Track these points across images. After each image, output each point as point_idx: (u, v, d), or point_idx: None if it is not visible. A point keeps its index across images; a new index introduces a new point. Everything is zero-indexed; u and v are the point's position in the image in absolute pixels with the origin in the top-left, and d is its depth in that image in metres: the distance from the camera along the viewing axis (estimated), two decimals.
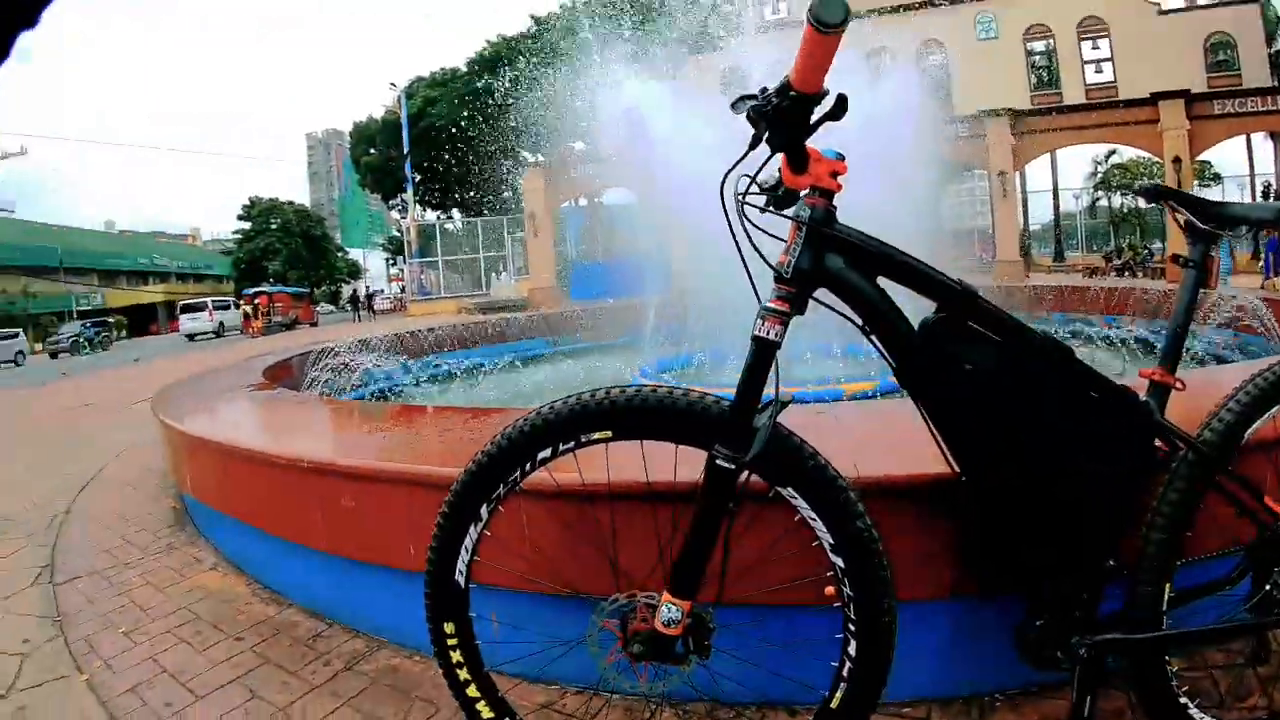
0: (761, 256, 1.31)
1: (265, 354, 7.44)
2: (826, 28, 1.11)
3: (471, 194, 38.27)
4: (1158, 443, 1.46)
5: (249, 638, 2.48)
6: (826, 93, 1.20)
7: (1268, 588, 1.50)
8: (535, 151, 28.69)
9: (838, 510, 1.35)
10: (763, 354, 1.32)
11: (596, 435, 1.42)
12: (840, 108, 1.23)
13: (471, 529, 1.48)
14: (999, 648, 1.60)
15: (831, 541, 1.36)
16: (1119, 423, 1.42)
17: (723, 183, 1.33)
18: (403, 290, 42.53)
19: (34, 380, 17.55)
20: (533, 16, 36.69)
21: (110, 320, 44.11)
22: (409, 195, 38.56)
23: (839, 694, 1.41)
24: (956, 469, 1.42)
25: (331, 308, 60.56)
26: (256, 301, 34.65)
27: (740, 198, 1.35)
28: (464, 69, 39.10)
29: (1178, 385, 1.47)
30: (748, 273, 1.35)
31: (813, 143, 1.29)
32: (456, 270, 35.01)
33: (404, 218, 40.86)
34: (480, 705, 1.54)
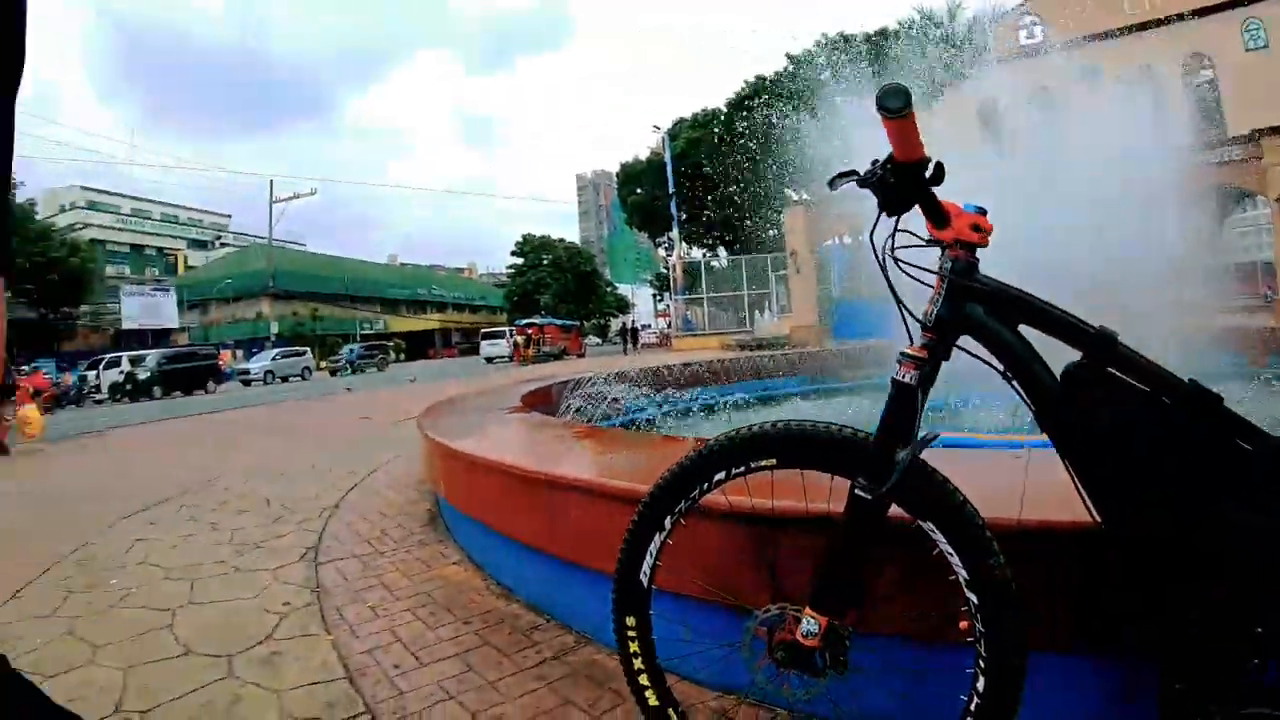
0: (903, 307, 1.43)
1: (528, 380, 8.16)
2: (893, 114, 1.24)
3: (736, 232, 39.07)
4: None
5: (475, 623, 2.88)
6: (928, 159, 1.31)
7: None
8: (798, 189, 28.86)
9: (974, 547, 1.42)
10: (901, 396, 1.43)
11: (764, 462, 1.60)
12: (939, 173, 1.34)
13: (656, 537, 1.70)
14: (1139, 712, 1.56)
15: (967, 577, 1.43)
16: (1273, 476, 1.35)
17: (871, 238, 1.46)
18: (668, 325, 44.09)
19: (318, 393, 20.19)
20: (788, 55, 37.11)
21: (388, 344, 49.46)
22: (675, 233, 40.12)
23: None
24: (1098, 518, 1.43)
25: (598, 340, 63.76)
26: (529, 332, 37.38)
27: (888, 252, 1.47)
28: (724, 109, 40.23)
29: None
30: (904, 320, 1.47)
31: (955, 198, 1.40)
32: (721, 307, 35.85)
33: (670, 255, 42.58)
34: (648, 693, 1.74)
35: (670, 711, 1.75)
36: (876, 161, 1.38)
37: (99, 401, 28.53)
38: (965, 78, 13.38)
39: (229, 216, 77.34)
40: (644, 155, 46.00)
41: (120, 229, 60.44)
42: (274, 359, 36.45)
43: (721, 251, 43.52)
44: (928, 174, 1.36)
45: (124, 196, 63.87)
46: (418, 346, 62.17)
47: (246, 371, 35.94)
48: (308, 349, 40.12)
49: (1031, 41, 26.59)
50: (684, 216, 40.41)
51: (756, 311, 33.64)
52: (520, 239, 63.16)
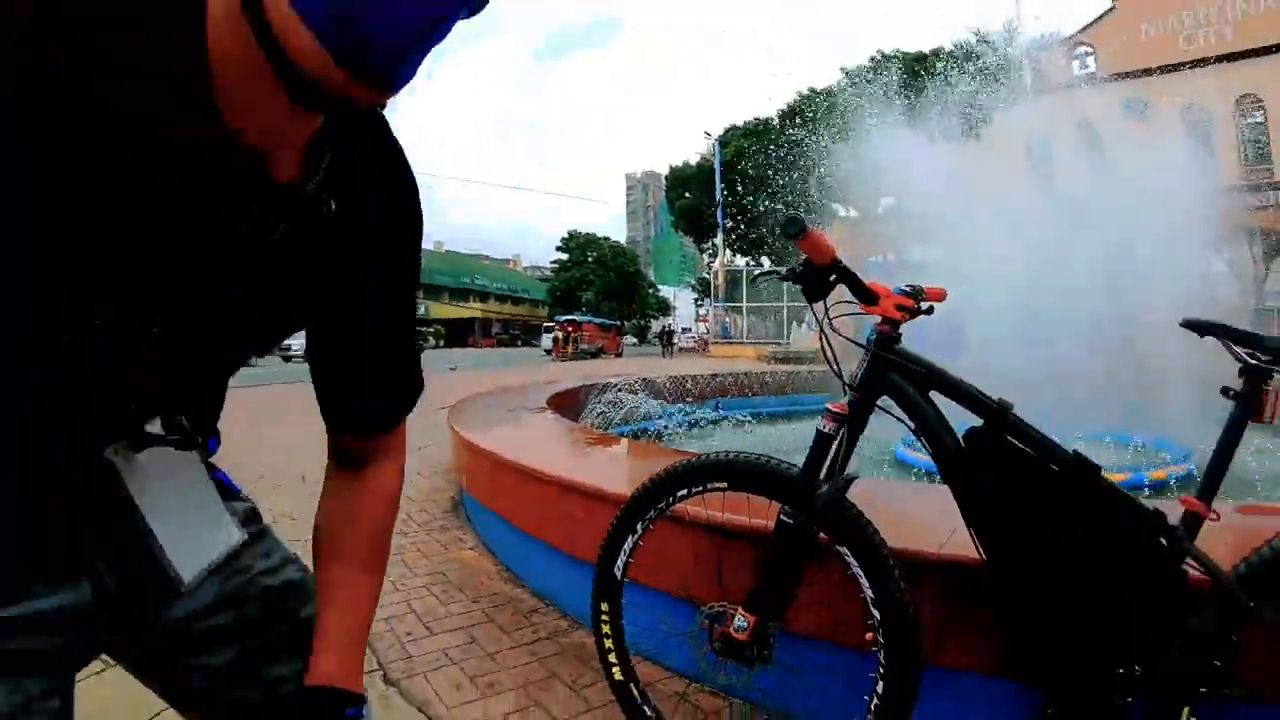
0: (836, 371, 1.75)
1: (554, 381, 8.49)
2: (793, 237, 1.59)
3: (780, 243, 39.11)
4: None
5: (483, 602, 3.23)
6: (837, 261, 1.62)
7: None
8: (844, 204, 28.87)
9: (880, 572, 1.72)
10: (820, 444, 1.75)
11: (717, 484, 1.92)
12: (840, 272, 1.68)
13: (630, 538, 2.03)
14: None
15: (873, 597, 1.72)
16: (1144, 544, 1.60)
17: (813, 311, 1.77)
18: (706, 331, 44.34)
19: None
20: (843, 69, 37.08)
21: (427, 330, 49.72)
22: (719, 240, 40.27)
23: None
24: (984, 558, 1.69)
25: (635, 340, 63.93)
26: (568, 329, 37.68)
27: (827, 320, 1.78)
28: (776, 120, 40.36)
29: (1212, 516, 1.60)
30: (840, 379, 1.78)
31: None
32: (760, 316, 36.00)
33: (713, 261, 42.74)
34: (615, 669, 2.08)
35: (631, 687, 2.08)
36: (794, 268, 1.70)
37: None
38: (1016, 107, 13.43)
39: None
40: (694, 160, 46.34)
41: None
42: None
43: (765, 261, 43.65)
44: (832, 277, 1.68)
45: None
46: (457, 334, 62.80)
47: (288, 347, 36.61)
48: None
49: (1084, 72, 26.39)
50: (729, 224, 40.61)
51: (795, 324, 33.74)
52: (566, 234, 63.70)
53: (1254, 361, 1.60)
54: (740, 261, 44.56)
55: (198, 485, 0.89)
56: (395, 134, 0.86)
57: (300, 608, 1.00)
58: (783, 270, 1.76)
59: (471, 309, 69.07)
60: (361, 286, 0.86)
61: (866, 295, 1.73)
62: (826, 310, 1.77)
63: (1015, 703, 1.96)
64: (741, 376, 9.90)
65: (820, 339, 1.79)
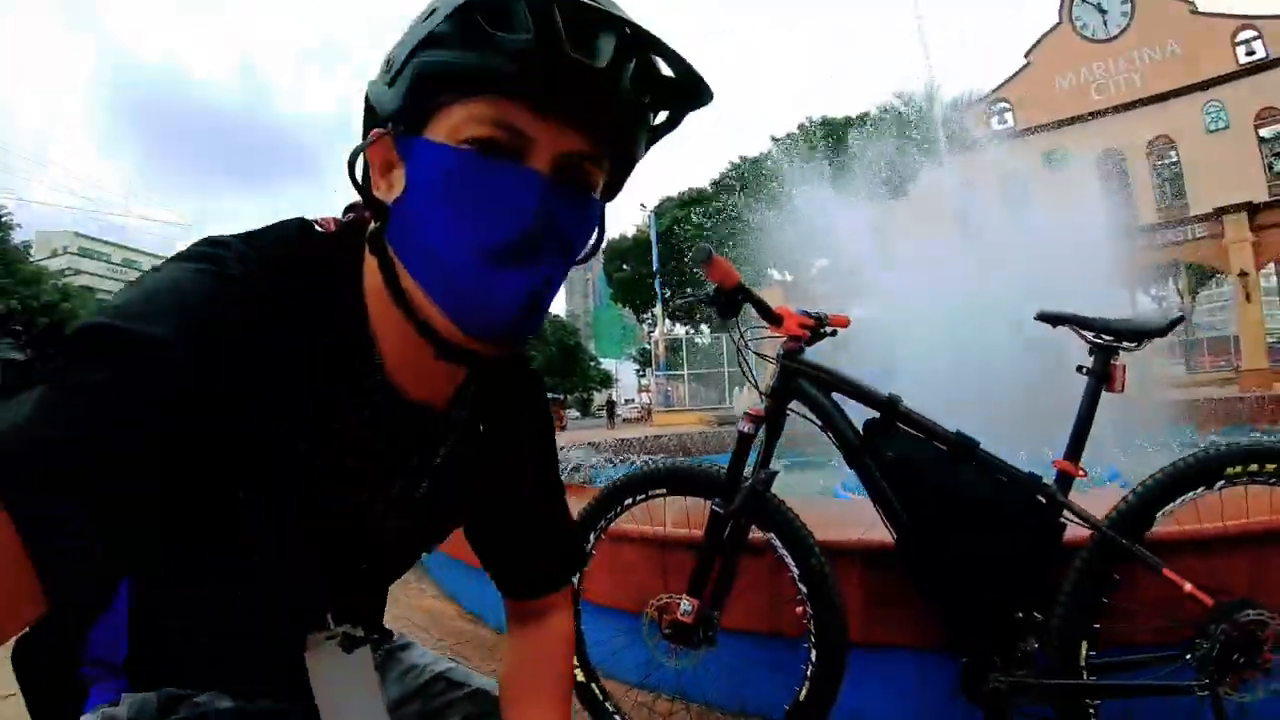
0: (753, 382, 2.05)
1: None
2: (700, 265, 1.89)
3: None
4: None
5: (448, 640, 3.41)
6: (742, 284, 1.92)
7: (1188, 657, 1.79)
8: (781, 270, 29.57)
9: (802, 551, 1.98)
10: (742, 443, 2.03)
11: (657, 491, 2.19)
12: (745, 294, 1.97)
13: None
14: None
15: (798, 572, 1.99)
16: (1024, 502, 1.88)
17: (732, 332, 2.06)
18: (649, 400, 44.35)
19: None
20: (772, 138, 38.38)
21: None
22: (658, 310, 40.66)
23: (804, 690, 2.00)
24: (894, 536, 1.97)
25: (579, 413, 63.59)
26: None
27: (743, 341, 2.08)
28: (709, 189, 41.37)
29: (1081, 474, 1.89)
30: (757, 389, 2.07)
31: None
32: (702, 383, 36.21)
33: (653, 331, 43.07)
34: (578, 671, 2.28)
35: (594, 687, 2.30)
36: (708, 293, 1.99)
37: None
38: (939, 164, 14.07)
39: None
40: (630, 232, 47.17)
41: (110, 278, 60.87)
42: None
43: (705, 328, 44.21)
44: (740, 297, 1.98)
45: (116, 246, 64.54)
46: None
47: None
48: None
49: (1003, 127, 27.65)
50: (668, 293, 41.17)
51: (736, 388, 34.07)
52: None
53: (1101, 341, 1.93)
54: (680, 330, 45.06)
55: (368, 682, 0.96)
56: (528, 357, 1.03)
57: None
58: (700, 295, 2.05)
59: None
60: (514, 482, 0.99)
61: (772, 317, 2.03)
62: (740, 330, 2.06)
63: (938, 672, 2.20)
64: (684, 437, 10.16)
65: (738, 356, 2.08)
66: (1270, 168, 24.80)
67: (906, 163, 14.50)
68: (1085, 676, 1.85)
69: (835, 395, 2.00)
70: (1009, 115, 28.49)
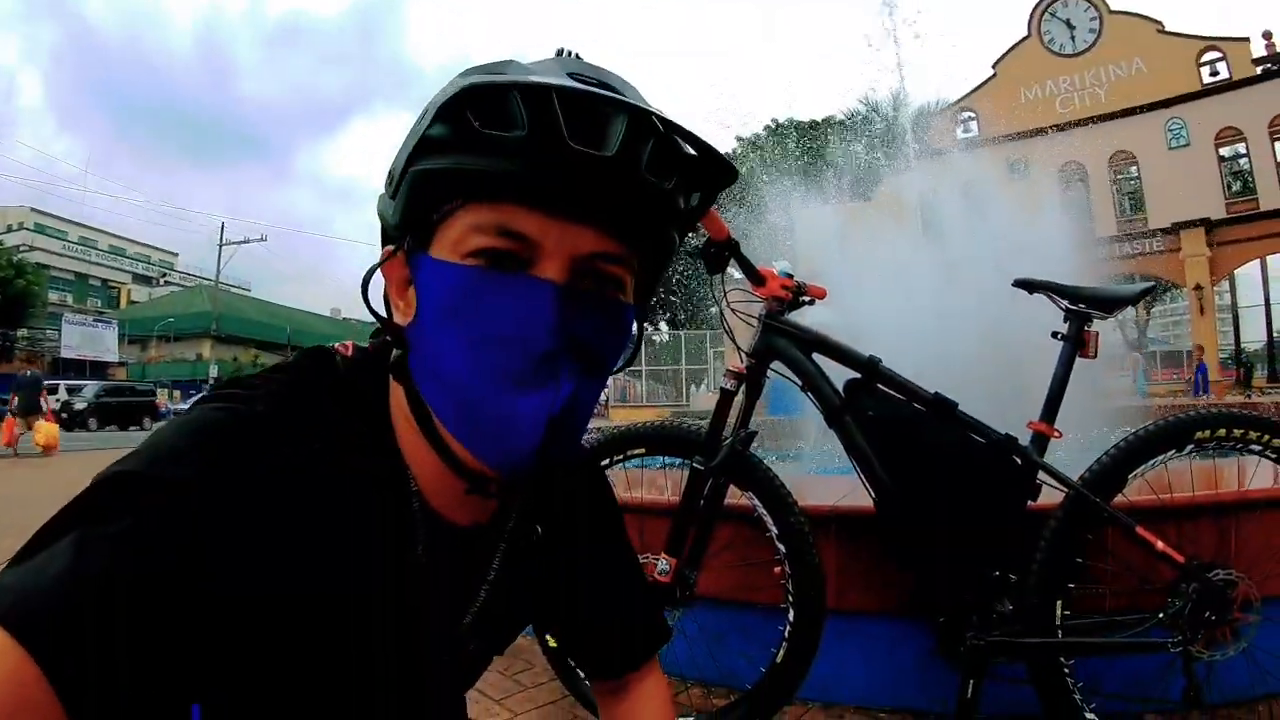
0: (734, 342, 2.04)
1: None
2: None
3: (677, 310, 39.69)
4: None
5: None
6: (733, 239, 1.92)
7: (1160, 616, 1.83)
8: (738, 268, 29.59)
9: (781, 509, 1.97)
10: (724, 400, 2.02)
11: (636, 451, 2.17)
12: (733, 251, 1.95)
13: None
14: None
15: (777, 531, 1.98)
16: (1001, 461, 1.90)
17: (717, 292, 2.05)
18: (605, 397, 44.36)
19: None
20: (738, 138, 38.39)
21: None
22: None
23: (781, 651, 2.00)
24: (873, 497, 1.97)
25: None
26: None
27: (725, 300, 2.06)
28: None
29: (1056, 435, 1.92)
30: (737, 348, 2.07)
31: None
32: (659, 380, 36.27)
33: None
34: (549, 639, 2.24)
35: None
36: (704, 243, 1.97)
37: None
38: (905, 169, 14.21)
39: (176, 255, 76.34)
40: None
41: (66, 256, 59.38)
42: None
43: (664, 326, 44.28)
44: (726, 253, 1.95)
45: (73, 224, 62.87)
46: None
47: (182, 412, 35.41)
48: None
49: (967, 136, 27.93)
50: None
51: (693, 385, 34.14)
52: None
53: (1075, 308, 1.96)
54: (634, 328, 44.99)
55: None
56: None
57: None
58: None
59: (348, 344, 67.64)
60: (579, 573, 0.94)
61: (756, 277, 2.02)
62: (725, 289, 2.05)
63: (911, 638, 2.25)
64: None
65: (721, 315, 2.08)
66: (1229, 186, 25.32)
67: (872, 166, 14.64)
68: (1060, 635, 1.88)
69: (816, 356, 2.00)
70: (974, 124, 28.75)
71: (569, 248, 0.62)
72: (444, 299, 0.63)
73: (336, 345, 0.77)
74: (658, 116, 0.61)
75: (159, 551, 0.53)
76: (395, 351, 0.70)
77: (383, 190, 0.69)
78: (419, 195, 0.63)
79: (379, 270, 0.69)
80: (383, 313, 0.70)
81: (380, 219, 0.70)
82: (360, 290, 0.67)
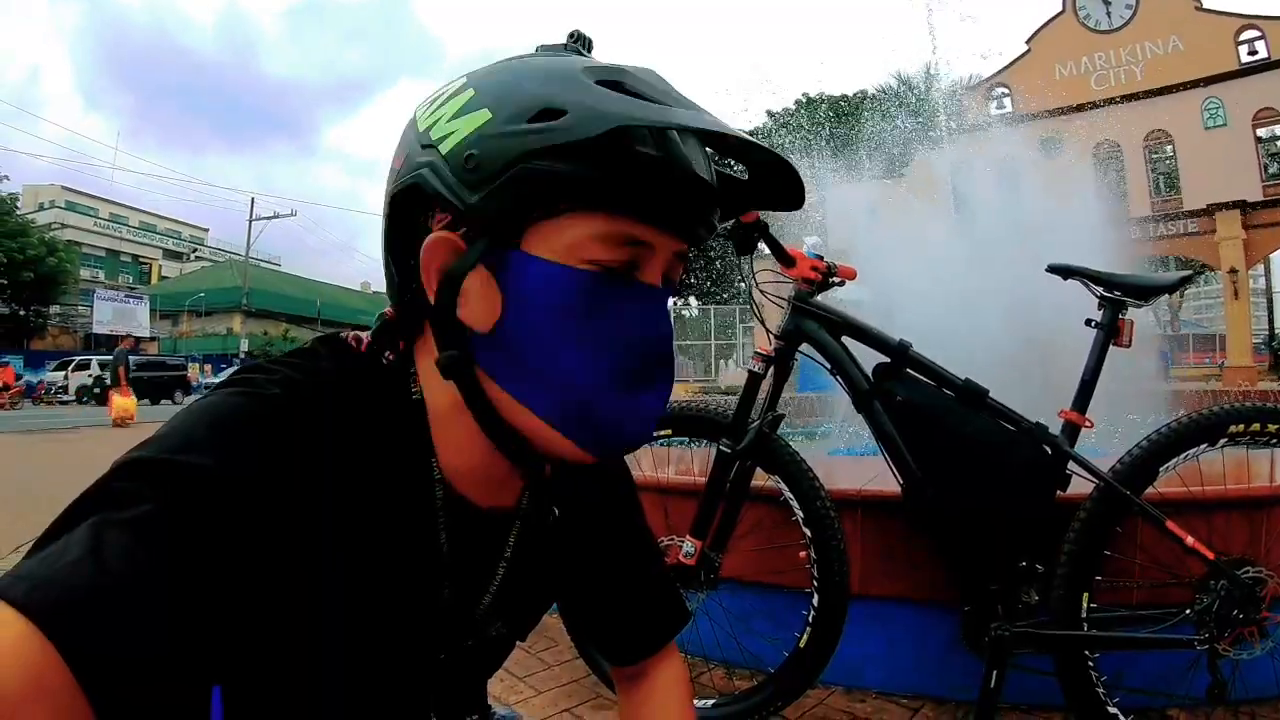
0: (763, 323, 2.03)
1: None
2: None
3: (708, 283, 39.65)
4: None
5: None
6: (763, 221, 1.90)
7: (1187, 612, 1.82)
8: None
9: (808, 493, 1.97)
10: (751, 382, 2.01)
11: (663, 432, 2.17)
12: (763, 232, 1.95)
13: None
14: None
15: (803, 516, 1.98)
16: (1031, 450, 1.88)
17: (745, 273, 2.04)
18: None
19: None
20: (769, 112, 38.02)
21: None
22: None
23: (805, 636, 2.00)
24: (901, 483, 1.95)
25: None
26: None
27: (753, 281, 2.05)
28: None
29: (1087, 424, 1.90)
30: (765, 329, 2.06)
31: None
32: (688, 355, 36.28)
33: None
34: None
35: None
36: (731, 223, 1.96)
37: (64, 403, 28.59)
38: (936, 145, 14.03)
39: (206, 230, 76.99)
40: None
41: (97, 232, 60.11)
42: None
43: (694, 301, 44.21)
44: (755, 234, 1.96)
45: (103, 200, 63.64)
46: None
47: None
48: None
49: (1001, 111, 27.44)
50: None
51: (722, 361, 34.13)
52: None
53: (1111, 296, 1.94)
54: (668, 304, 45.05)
55: None
56: None
57: None
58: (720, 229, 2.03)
59: (360, 335, 68.02)
60: (597, 555, 0.96)
61: (785, 258, 2.01)
62: (753, 270, 2.04)
63: (936, 624, 2.24)
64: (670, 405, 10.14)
65: (750, 296, 2.06)
66: (1265, 168, 24.66)
67: (904, 143, 14.46)
68: (1085, 628, 1.87)
69: (845, 339, 1.99)
70: (1007, 100, 28.24)
71: (666, 256, 0.67)
72: (560, 301, 0.64)
73: (347, 334, 0.77)
74: (733, 138, 0.65)
75: (178, 537, 0.54)
76: (449, 351, 0.67)
77: (424, 163, 0.65)
78: (524, 192, 0.62)
79: (424, 246, 0.66)
80: (458, 313, 0.66)
81: (412, 194, 0.66)
82: (438, 291, 0.66)
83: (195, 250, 72.36)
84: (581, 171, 0.60)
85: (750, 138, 0.65)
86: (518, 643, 0.94)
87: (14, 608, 0.47)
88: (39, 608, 0.47)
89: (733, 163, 0.74)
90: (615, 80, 0.63)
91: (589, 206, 0.62)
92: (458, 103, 0.65)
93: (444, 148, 0.64)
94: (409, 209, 0.68)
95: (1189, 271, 2.13)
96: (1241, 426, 1.86)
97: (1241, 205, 23.30)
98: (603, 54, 0.71)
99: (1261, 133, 24.80)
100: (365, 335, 0.76)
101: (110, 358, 15.37)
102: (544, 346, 0.64)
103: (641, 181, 0.62)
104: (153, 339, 49.87)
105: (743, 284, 2.05)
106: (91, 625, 0.48)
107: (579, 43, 0.70)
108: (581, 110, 0.59)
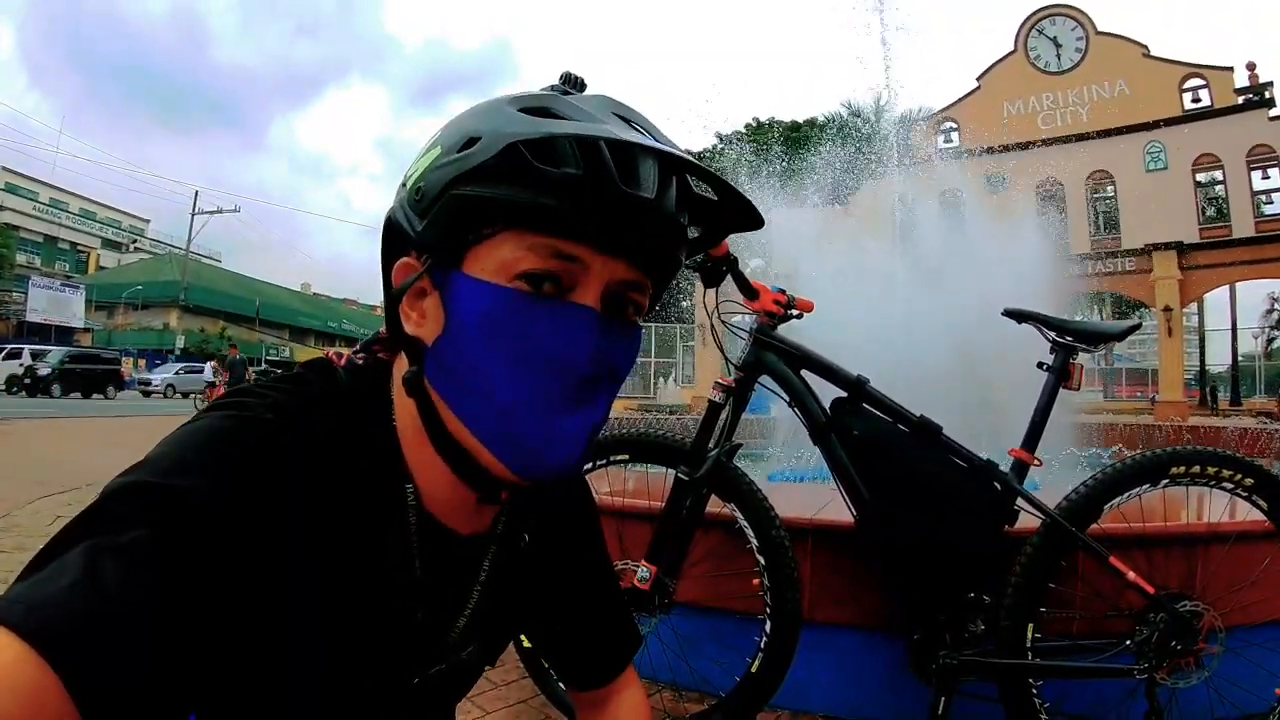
0: (724, 355, 2.05)
1: None
2: None
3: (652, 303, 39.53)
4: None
5: None
6: (731, 256, 1.93)
7: (1128, 643, 1.89)
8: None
9: (763, 521, 1.99)
10: (711, 412, 2.04)
11: (620, 456, 2.17)
12: (730, 266, 1.96)
13: None
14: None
15: (757, 544, 2.00)
16: (982, 487, 1.95)
17: (707, 305, 2.07)
18: None
19: None
20: (717, 135, 38.28)
21: (280, 371, 48.17)
22: None
23: (757, 661, 2.02)
24: (854, 514, 2.00)
25: None
26: None
27: (717, 313, 2.08)
28: None
29: (1036, 463, 1.97)
30: (725, 360, 2.08)
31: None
32: (630, 373, 36.26)
33: None
34: (524, 640, 2.26)
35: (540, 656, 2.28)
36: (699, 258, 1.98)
37: None
38: (882, 175, 14.25)
39: (148, 221, 74.90)
40: None
41: (36, 217, 58.18)
42: (176, 373, 35.54)
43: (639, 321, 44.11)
44: (724, 268, 1.96)
45: (44, 184, 61.69)
46: None
47: (148, 382, 35.10)
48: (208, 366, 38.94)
49: (949, 146, 28.00)
50: None
51: (661, 379, 34.20)
52: None
53: (1062, 341, 2.01)
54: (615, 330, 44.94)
55: None
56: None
57: None
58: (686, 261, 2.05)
59: (338, 353, 67.10)
60: (564, 581, 0.97)
61: (749, 291, 2.03)
62: (718, 301, 2.07)
63: (882, 651, 2.29)
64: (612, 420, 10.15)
65: (711, 327, 2.09)
66: (1203, 211, 25.61)
67: (852, 171, 14.68)
68: (1030, 657, 1.92)
69: (804, 372, 2.02)
70: (955, 135, 28.89)
71: (605, 278, 0.66)
72: (487, 318, 0.65)
73: (330, 353, 0.80)
74: (689, 162, 0.65)
75: (170, 561, 0.55)
76: (410, 367, 0.71)
77: (398, 200, 0.71)
78: (459, 217, 0.65)
79: (390, 271, 0.72)
80: (410, 330, 0.70)
81: (391, 227, 0.71)
82: (387, 308, 0.72)
83: (135, 241, 70.19)
84: (502, 194, 0.62)
85: (691, 158, 0.65)
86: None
87: (12, 631, 0.47)
88: (37, 631, 0.47)
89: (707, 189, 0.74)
90: (541, 107, 0.65)
91: (515, 226, 0.64)
92: (427, 144, 0.70)
93: (409, 184, 0.69)
94: (392, 242, 0.72)
95: (1137, 321, 2.22)
96: (1183, 468, 1.94)
97: (1179, 246, 24.10)
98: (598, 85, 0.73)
99: (1201, 177, 25.72)
100: (346, 352, 0.80)
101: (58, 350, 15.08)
102: (473, 362, 0.66)
103: (563, 199, 0.62)
104: (86, 330, 48.38)
105: (685, 303, 2.07)
106: (89, 649, 0.49)
107: (568, 83, 0.72)
108: (490, 135, 0.63)
